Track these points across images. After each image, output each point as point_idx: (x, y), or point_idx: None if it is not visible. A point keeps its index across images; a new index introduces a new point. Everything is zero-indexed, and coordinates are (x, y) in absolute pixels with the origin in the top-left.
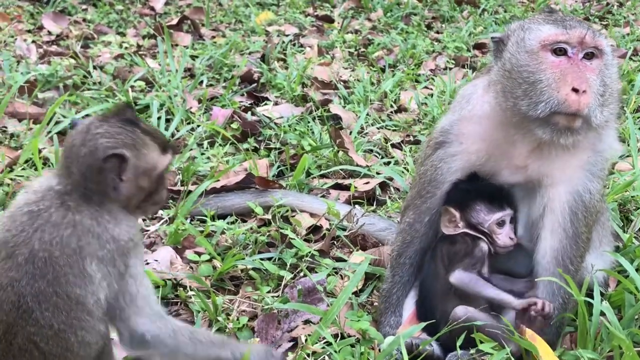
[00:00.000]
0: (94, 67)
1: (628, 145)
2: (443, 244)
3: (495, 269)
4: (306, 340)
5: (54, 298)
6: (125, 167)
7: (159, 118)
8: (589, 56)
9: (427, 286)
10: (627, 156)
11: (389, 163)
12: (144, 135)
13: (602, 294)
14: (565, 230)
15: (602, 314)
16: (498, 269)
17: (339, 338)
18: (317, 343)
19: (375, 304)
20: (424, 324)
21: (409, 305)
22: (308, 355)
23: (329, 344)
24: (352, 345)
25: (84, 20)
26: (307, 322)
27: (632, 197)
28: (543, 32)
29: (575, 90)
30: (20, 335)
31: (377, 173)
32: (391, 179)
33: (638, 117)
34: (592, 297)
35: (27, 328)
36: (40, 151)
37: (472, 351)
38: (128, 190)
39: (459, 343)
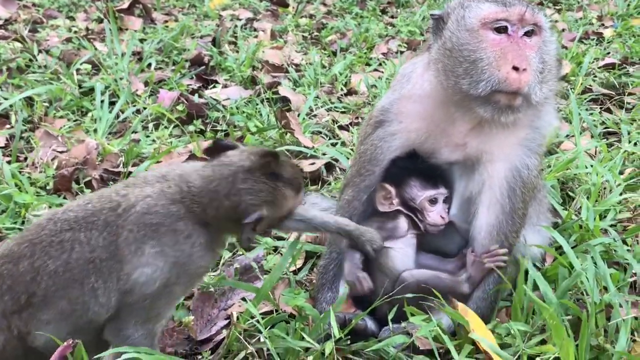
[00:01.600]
0: (40, 51)
1: (572, 124)
2: (373, 222)
3: (425, 247)
4: (238, 318)
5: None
6: (261, 221)
7: (102, 101)
8: (529, 33)
9: None
10: (572, 136)
11: (336, 144)
12: (284, 187)
13: (538, 268)
14: (503, 205)
15: (536, 288)
16: (428, 248)
17: (275, 315)
18: (249, 320)
19: (314, 281)
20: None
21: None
22: (240, 333)
23: (264, 319)
24: (287, 322)
25: (34, 4)
26: (243, 299)
27: (574, 174)
28: (483, 10)
29: (515, 68)
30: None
31: (323, 154)
32: (337, 160)
33: (585, 99)
34: (527, 272)
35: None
36: None
37: (404, 324)
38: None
39: (390, 316)
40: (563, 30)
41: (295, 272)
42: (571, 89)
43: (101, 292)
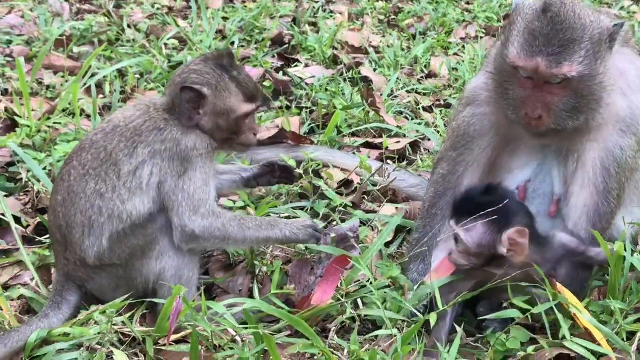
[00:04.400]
0: (128, 25)
1: None
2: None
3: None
4: (341, 283)
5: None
6: (204, 103)
7: None
8: None
9: None
10: None
11: (419, 125)
12: (230, 81)
13: (632, 251)
14: (596, 185)
15: (632, 269)
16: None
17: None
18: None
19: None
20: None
21: (438, 258)
22: (342, 296)
23: (361, 286)
24: (384, 290)
25: None
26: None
27: None
28: None
29: None
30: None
31: (409, 133)
32: (423, 138)
33: None
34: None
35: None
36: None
37: (505, 304)
38: (207, 124)
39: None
40: None
41: (386, 246)
42: None
43: (105, 190)
